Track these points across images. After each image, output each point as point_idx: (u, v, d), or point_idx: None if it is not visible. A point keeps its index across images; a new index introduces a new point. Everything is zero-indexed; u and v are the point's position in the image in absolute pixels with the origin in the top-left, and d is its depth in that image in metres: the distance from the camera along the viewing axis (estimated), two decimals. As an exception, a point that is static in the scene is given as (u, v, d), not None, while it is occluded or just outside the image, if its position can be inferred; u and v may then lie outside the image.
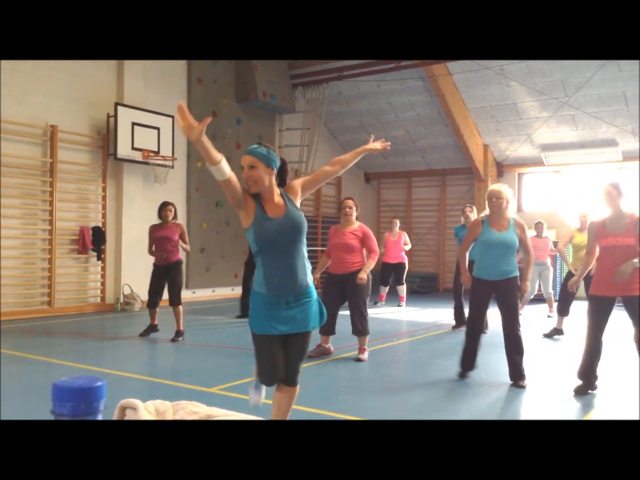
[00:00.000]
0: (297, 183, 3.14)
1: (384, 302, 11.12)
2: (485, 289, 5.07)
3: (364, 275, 5.85)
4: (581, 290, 7.74)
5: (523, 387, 4.97)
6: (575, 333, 8.03)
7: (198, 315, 9.37)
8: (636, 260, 4.51)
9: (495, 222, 5.09)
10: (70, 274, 9.64)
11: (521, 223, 5.13)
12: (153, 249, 7.09)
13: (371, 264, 5.95)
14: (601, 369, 5.20)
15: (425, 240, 15.17)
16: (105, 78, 9.94)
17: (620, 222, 4.63)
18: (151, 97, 10.50)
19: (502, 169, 14.12)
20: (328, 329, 6.05)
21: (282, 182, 3.05)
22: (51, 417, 0.79)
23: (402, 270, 10.94)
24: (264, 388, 3.38)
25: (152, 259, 7.24)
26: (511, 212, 5.14)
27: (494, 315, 6.05)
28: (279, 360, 3.04)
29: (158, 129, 10.32)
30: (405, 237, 10.95)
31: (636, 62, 9.96)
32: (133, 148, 9.92)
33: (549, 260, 9.44)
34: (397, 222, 11.17)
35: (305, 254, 3.07)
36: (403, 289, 11.09)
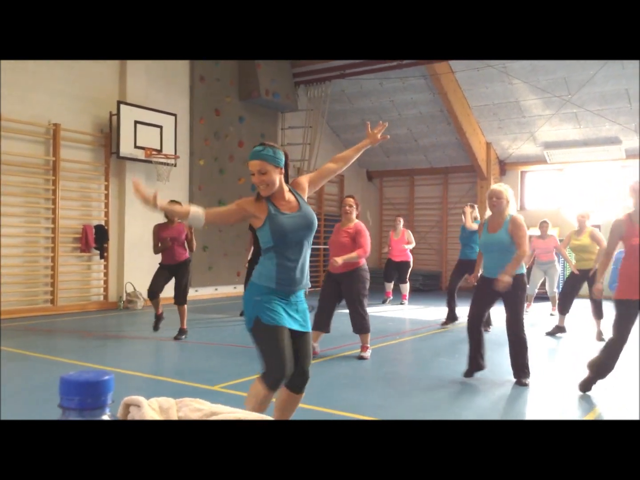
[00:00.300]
0: (304, 180, 3.13)
1: (391, 298, 11.14)
2: (490, 287, 5.06)
3: (338, 260, 5.55)
4: (582, 289, 7.74)
5: (526, 385, 4.97)
6: (578, 331, 8.03)
7: (201, 314, 9.39)
8: None
9: (493, 223, 5.09)
10: (73, 272, 9.66)
11: (515, 218, 4.98)
12: (159, 246, 6.96)
13: (353, 256, 5.70)
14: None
15: (428, 239, 15.16)
16: (108, 76, 9.95)
17: None
18: (154, 95, 10.50)
19: (504, 167, 14.10)
20: (322, 324, 5.89)
21: (285, 176, 3.00)
22: (51, 416, 0.79)
23: (405, 269, 10.93)
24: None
25: (155, 258, 7.20)
26: (511, 211, 5.08)
27: (499, 314, 6.05)
28: (290, 354, 2.94)
29: (161, 127, 10.32)
30: (408, 235, 10.94)
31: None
32: (135, 146, 9.93)
33: (555, 259, 9.35)
34: (401, 221, 11.16)
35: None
36: (406, 287, 11.10)
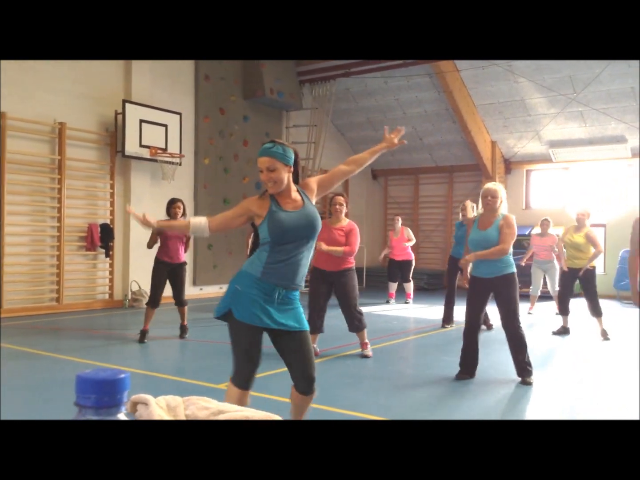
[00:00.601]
0: (313, 181, 3.08)
1: (394, 300, 11.13)
2: (482, 286, 5.04)
3: (323, 246, 5.61)
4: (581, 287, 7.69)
5: (530, 383, 4.96)
6: (582, 330, 8.01)
7: (205, 313, 9.40)
8: None
9: (485, 221, 5.07)
10: (78, 271, 9.69)
11: (508, 217, 4.98)
12: (158, 244, 6.88)
13: (338, 250, 5.71)
14: (601, 369, 5.20)
15: (433, 238, 15.15)
16: (113, 75, 9.97)
17: None
18: (159, 94, 10.52)
19: (510, 165, 14.07)
20: (316, 325, 5.82)
21: (294, 174, 2.96)
22: (53, 415, 0.80)
23: (408, 267, 10.93)
24: None
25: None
26: (504, 210, 5.08)
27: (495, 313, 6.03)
28: (257, 353, 2.94)
29: (166, 126, 10.34)
30: (407, 232, 10.92)
31: (645, 58, 9.88)
32: (141, 145, 9.95)
33: (554, 258, 9.29)
34: (399, 219, 11.16)
35: (310, 258, 3.00)
36: (410, 286, 11.09)
